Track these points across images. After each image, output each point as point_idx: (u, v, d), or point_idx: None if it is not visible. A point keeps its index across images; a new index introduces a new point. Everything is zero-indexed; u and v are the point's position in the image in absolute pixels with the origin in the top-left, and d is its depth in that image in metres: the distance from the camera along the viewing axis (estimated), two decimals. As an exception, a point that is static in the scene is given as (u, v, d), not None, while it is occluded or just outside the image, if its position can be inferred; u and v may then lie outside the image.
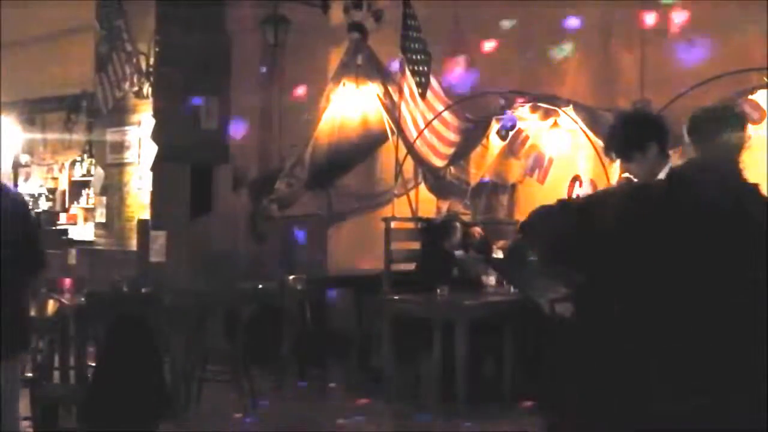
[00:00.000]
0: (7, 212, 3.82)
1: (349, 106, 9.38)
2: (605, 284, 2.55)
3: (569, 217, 2.65)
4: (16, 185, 12.91)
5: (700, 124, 2.65)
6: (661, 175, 3.10)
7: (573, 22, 8.29)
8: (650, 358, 2.45)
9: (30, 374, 6.14)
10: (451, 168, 8.76)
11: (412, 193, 9.07)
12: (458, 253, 7.96)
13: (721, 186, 2.58)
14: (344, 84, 9.25)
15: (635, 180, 3.19)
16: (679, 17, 7.63)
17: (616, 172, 6.97)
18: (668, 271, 2.47)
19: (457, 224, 8.03)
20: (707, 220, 2.49)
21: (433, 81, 8.60)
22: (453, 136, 8.70)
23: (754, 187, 2.66)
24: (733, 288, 2.45)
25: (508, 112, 8.20)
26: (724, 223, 2.49)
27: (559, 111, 7.98)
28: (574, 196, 7.52)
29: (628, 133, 2.76)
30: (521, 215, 5.96)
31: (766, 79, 6.87)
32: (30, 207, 4.29)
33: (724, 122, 2.69)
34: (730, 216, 2.51)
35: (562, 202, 2.75)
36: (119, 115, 10.30)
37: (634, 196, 2.76)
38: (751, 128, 7.16)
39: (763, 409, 2.44)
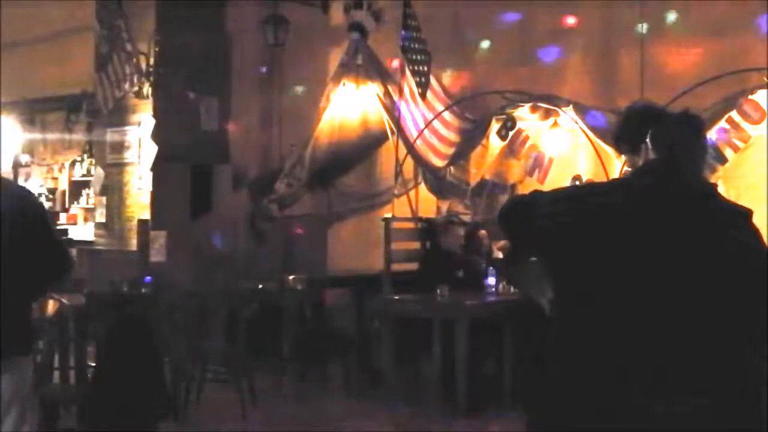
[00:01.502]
0: (24, 211, 3.68)
1: (349, 106, 9.38)
2: (580, 278, 2.59)
3: (539, 207, 2.69)
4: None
5: (660, 129, 2.71)
6: None
7: (573, 22, 8.31)
8: (619, 355, 2.48)
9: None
10: (451, 168, 8.75)
11: (412, 193, 9.06)
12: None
13: (682, 184, 2.63)
14: (344, 84, 9.25)
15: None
16: (679, 17, 7.63)
17: (616, 172, 6.99)
18: (632, 268, 2.51)
19: (459, 225, 8.03)
20: (666, 219, 2.55)
21: (433, 81, 8.60)
22: (453, 136, 8.70)
23: (712, 186, 2.71)
24: (704, 285, 2.49)
25: None
26: (691, 220, 2.54)
27: (559, 111, 7.99)
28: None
29: (638, 126, 2.78)
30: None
31: (766, 79, 6.87)
32: (42, 205, 4.12)
33: (679, 127, 2.73)
34: (688, 214, 2.56)
35: (534, 192, 2.79)
36: (119, 115, 10.29)
37: (598, 191, 2.80)
38: (751, 128, 7.23)
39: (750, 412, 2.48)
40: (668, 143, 2.67)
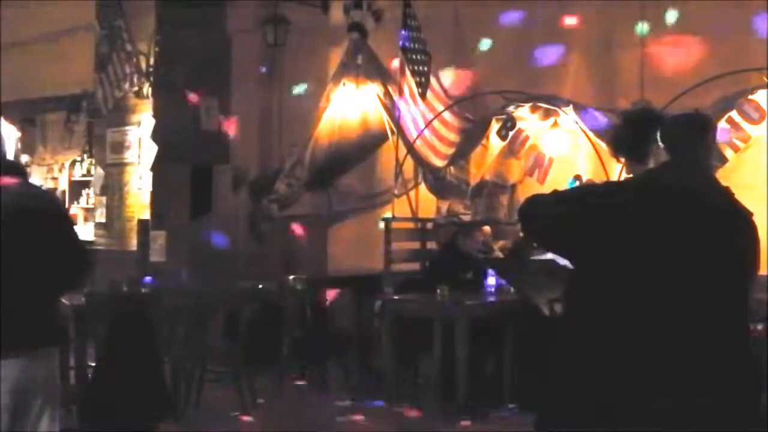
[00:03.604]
0: (39, 211, 3.68)
1: (349, 106, 9.38)
2: (589, 276, 2.60)
3: (554, 207, 2.70)
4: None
5: (671, 130, 2.72)
6: None
7: (573, 22, 8.31)
8: (624, 354, 2.49)
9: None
10: (451, 168, 8.76)
11: (412, 193, 9.07)
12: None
13: (692, 185, 2.64)
14: (344, 84, 9.25)
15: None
16: (679, 17, 7.64)
17: (616, 172, 6.99)
18: (641, 267, 2.52)
19: (478, 226, 8.05)
20: (681, 219, 2.56)
21: (433, 81, 8.60)
22: (453, 136, 8.70)
23: (725, 188, 2.73)
24: (707, 287, 2.50)
25: None
26: (698, 222, 2.55)
27: (559, 111, 7.99)
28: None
29: (635, 132, 2.79)
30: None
31: (766, 79, 6.87)
32: (62, 205, 4.11)
33: (691, 128, 2.75)
34: (703, 215, 2.57)
35: (556, 192, 2.81)
36: (119, 115, 10.29)
37: (615, 191, 2.82)
38: (751, 128, 7.23)
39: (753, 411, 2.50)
40: (678, 144, 2.69)
